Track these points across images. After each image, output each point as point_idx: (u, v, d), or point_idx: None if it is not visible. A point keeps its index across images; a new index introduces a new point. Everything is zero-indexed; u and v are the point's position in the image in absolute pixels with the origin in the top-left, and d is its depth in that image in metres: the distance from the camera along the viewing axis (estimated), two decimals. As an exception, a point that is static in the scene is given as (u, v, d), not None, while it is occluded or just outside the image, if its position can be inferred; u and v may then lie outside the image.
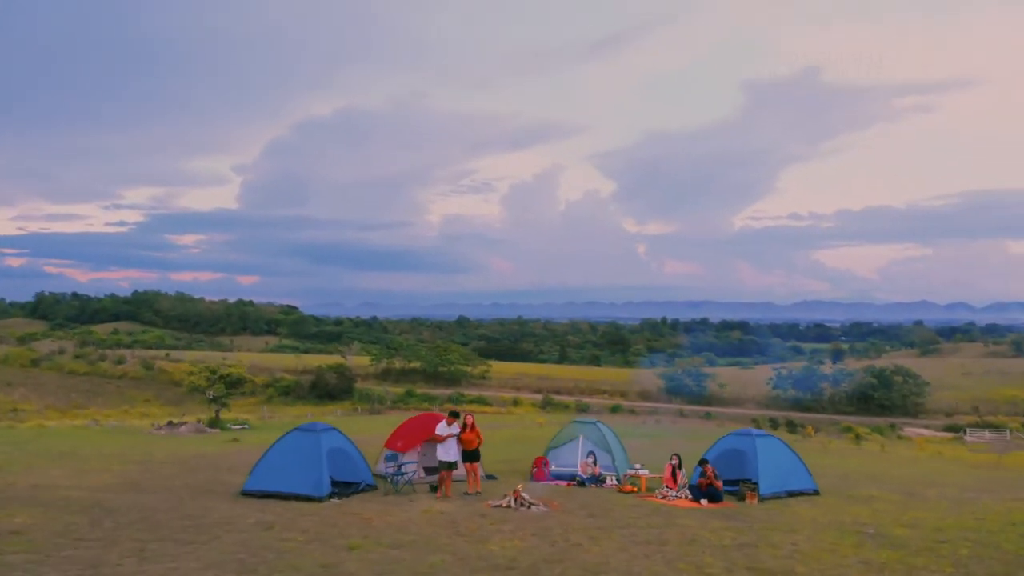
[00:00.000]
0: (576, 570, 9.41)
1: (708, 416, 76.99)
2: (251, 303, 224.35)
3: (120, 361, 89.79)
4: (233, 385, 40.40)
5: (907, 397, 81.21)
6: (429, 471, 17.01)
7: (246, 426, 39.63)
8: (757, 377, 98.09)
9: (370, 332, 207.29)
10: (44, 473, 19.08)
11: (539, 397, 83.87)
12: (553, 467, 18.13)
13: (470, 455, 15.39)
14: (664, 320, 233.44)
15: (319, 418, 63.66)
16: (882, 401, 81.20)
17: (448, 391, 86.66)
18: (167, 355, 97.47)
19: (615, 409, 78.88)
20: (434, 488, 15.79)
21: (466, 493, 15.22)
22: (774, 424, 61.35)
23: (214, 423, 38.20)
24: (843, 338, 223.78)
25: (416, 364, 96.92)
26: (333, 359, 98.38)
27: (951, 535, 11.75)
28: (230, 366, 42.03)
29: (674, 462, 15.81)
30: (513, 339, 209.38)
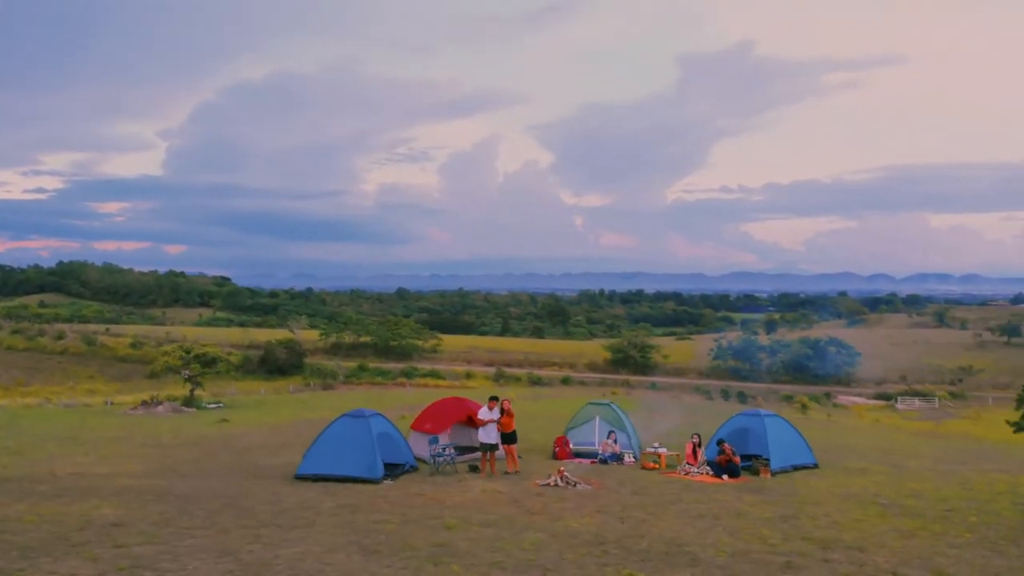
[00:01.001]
0: (660, 544, 10.69)
1: (654, 387, 79.91)
2: (182, 274, 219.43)
3: (60, 336, 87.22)
4: (207, 364, 40.46)
5: (840, 367, 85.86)
6: (459, 451, 18.09)
7: (221, 405, 39.77)
8: (696, 348, 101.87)
9: (307, 304, 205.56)
10: (70, 460, 19.41)
11: (491, 370, 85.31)
12: (572, 446, 19.46)
13: (508, 437, 16.53)
14: (602, 292, 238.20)
15: (273, 395, 63.55)
16: (817, 371, 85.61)
17: (400, 365, 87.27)
18: (107, 330, 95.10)
19: (565, 381, 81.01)
20: (473, 468, 16.90)
21: (506, 472, 16.38)
22: (725, 395, 64.21)
23: (189, 402, 38.28)
24: (771, 308, 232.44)
25: (366, 338, 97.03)
26: (281, 333, 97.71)
27: (953, 504, 13.52)
28: (204, 345, 41.92)
29: (695, 440, 17.32)
30: (455, 311, 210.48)
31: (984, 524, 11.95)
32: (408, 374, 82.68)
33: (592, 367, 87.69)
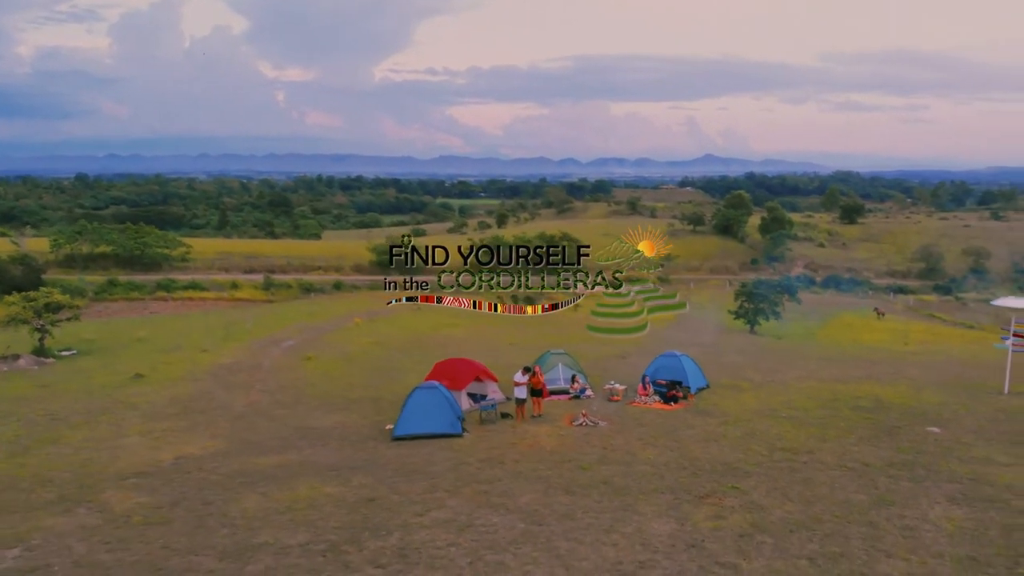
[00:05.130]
0: (715, 464, 17.96)
1: (424, 286, 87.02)
2: None
3: None
4: (55, 311, 38.67)
5: (572, 259, 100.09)
6: (474, 400, 23.98)
7: (75, 351, 38.91)
8: (444, 243, 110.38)
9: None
10: (121, 443, 21.29)
11: (257, 278, 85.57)
12: (548, 387, 26.02)
13: (537, 392, 22.84)
14: (320, 177, 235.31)
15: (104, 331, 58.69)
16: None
17: (155, 277, 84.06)
18: None
19: (338, 286, 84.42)
20: (504, 415, 22.90)
21: (532, 416, 22.72)
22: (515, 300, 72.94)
23: (42, 352, 37.26)
24: (482, 194, 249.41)
25: (106, 248, 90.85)
26: (2, 245, 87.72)
27: (819, 414, 22.60)
28: (48, 293, 39.50)
29: (643, 381, 24.99)
30: (156, 201, 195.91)
31: (850, 427, 21.10)
32: (166, 287, 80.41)
33: (359, 269, 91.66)
